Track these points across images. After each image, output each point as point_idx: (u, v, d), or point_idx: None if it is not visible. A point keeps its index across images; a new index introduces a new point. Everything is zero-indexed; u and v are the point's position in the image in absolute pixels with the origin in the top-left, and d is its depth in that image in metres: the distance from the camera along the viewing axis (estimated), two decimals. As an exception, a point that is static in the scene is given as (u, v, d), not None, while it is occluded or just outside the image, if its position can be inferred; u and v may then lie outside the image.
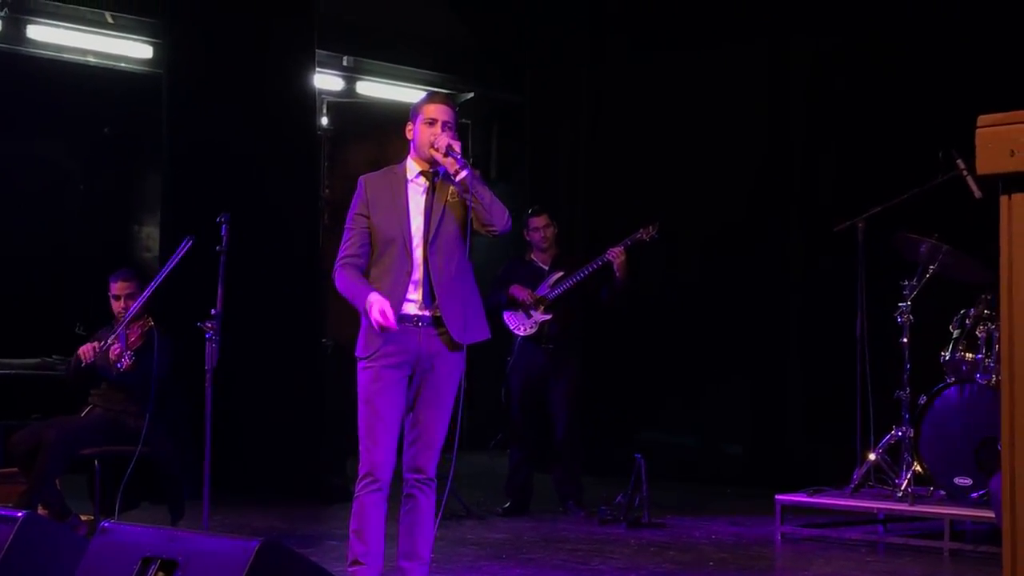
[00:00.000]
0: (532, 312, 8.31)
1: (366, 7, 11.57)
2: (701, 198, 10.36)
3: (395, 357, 5.11)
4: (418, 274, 5.15)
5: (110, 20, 10.44)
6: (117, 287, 7.16)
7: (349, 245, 5.25)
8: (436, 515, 5.26)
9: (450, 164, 5.10)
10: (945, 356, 7.48)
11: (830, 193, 9.42)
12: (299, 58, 9.60)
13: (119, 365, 6.77)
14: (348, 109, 11.93)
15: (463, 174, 5.05)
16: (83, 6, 10.31)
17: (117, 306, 7.14)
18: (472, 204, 5.08)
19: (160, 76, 9.85)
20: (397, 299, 5.09)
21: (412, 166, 5.28)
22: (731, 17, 10.22)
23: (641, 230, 8.20)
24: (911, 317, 7.52)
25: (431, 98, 5.35)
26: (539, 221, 8.46)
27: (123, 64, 10.72)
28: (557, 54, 11.37)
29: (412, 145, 5.29)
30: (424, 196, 5.21)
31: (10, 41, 10.13)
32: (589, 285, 8.27)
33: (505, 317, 8.38)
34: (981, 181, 7.01)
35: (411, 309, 5.14)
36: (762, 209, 10.09)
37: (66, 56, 10.48)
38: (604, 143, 11.05)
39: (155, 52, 10.52)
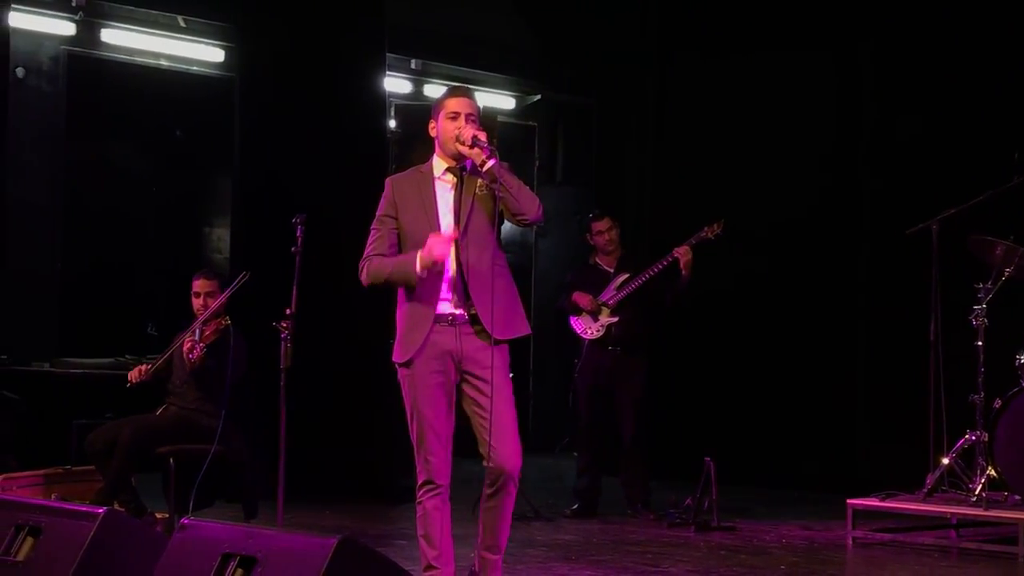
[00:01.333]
0: (599, 315, 8.31)
1: (434, 11, 11.62)
2: (769, 200, 10.29)
3: (434, 361, 5.03)
4: (450, 272, 5.05)
5: (183, 24, 10.57)
6: (198, 284, 7.25)
7: (375, 245, 5.16)
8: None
9: (476, 155, 4.99)
10: (1020, 359, 7.39)
11: (902, 195, 9.32)
12: (369, 62, 9.65)
13: (190, 356, 6.84)
14: (416, 112, 11.98)
15: (490, 163, 4.94)
16: (156, 10, 10.44)
17: (197, 303, 7.22)
18: (501, 194, 4.97)
19: (232, 79, 9.94)
20: (430, 300, 5.02)
21: (438, 163, 5.18)
22: (799, 18, 10.15)
23: (706, 228, 8.20)
24: (986, 320, 7.44)
25: (452, 92, 5.24)
26: (602, 225, 8.45)
27: (195, 67, 10.84)
28: (624, 56, 11.34)
29: (436, 142, 5.19)
30: (452, 193, 5.11)
31: (84, 45, 10.27)
32: (654, 285, 8.26)
33: (572, 321, 8.40)
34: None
35: (445, 308, 5.05)
36: (832, 212, 10.01)
37: (139, 60, 10.61)
38: (671, 145, 11.01)
39: (227, 56, 10.63)
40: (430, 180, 5.15)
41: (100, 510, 4.76)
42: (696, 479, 7.89)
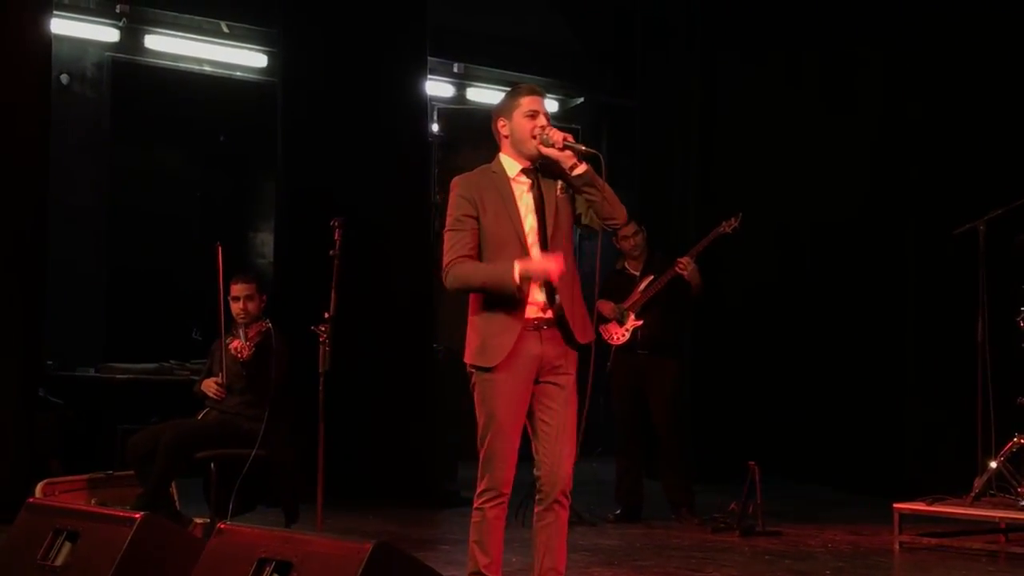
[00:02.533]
0: (623, 321, 8.29)
1: (476, 14, 11.62)
2: (815, 200, 10.22)
3: (518, 366, 4.83)
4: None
5: (226, 30, 10.63)
6: (237, 288, 7.23)
7: (460, 246, 4.88)
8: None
9: (567, 158, 4.79)
10: (1069, 361, 7.29)
11: (949, 195, 9.22)
12: (411, 65, 9.65)
13: (240, 356, 6.86)
14: (458, 115, 12.01)
15: (581, 168, 4.78)
16: (199, 16, 10.50)
17: (236, 307, 7.21)
18: (593, 198, 4.80)
19: (275, 84, 9.97)
20: (519, 303, 4.82)
21: (510, 164, 4.97)
22: (844, 16, 10.07)
23: (723, 223, 8.13)
24: (1034, 322, 7.34)
25: (527, 90, 5.01)
26: (627, 230, 8.40)
27: (239, 73, 10.90)
28: (668, 58, 11.29)
29: (506, 141, 4.97)
30: (531, 193, 4.92)
31: (129, 51, 10.35)
32: (677, 286, 8.22)
33: (599, 328, 8.37)
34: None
35: (532, 312, 4.87)
36: (879, 212, 9.92)
37: (183, 65, 10.68)
38: (716, 146, 10.94)
39: (270, 61, 10.68)
40: (507, 181, 4.92)
41: (137, 515, 4.76)
42: (741, 483, 7.83)
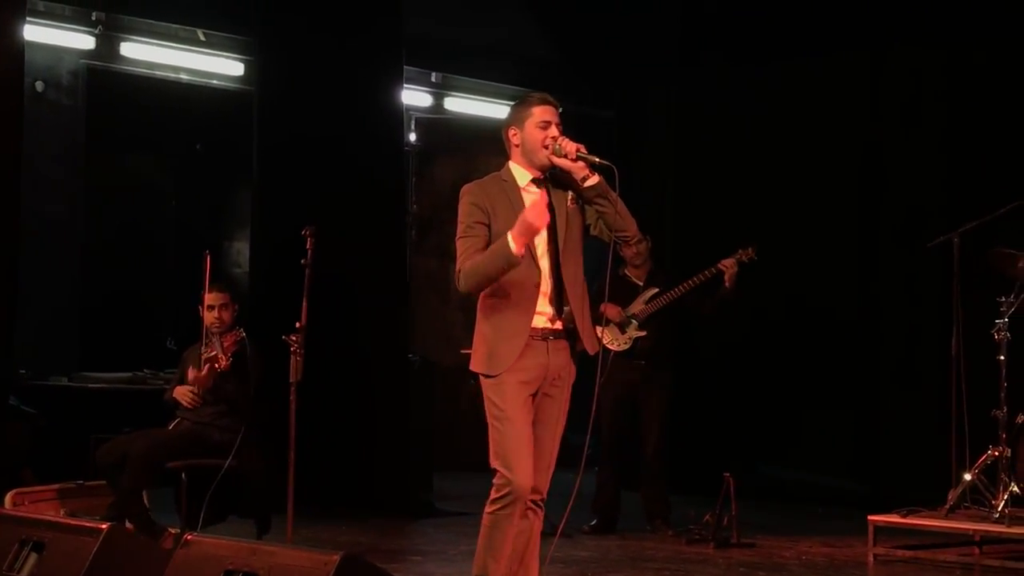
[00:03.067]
0: (626, 328, 8.26)
1: (454, 24, 11.61)
2: (791, 215, 10.23)
3: (526, 373, 4.83)
4: (547, 285, 4.86)
5: (202, 38, 10.59)
6: (211, 297, 7.20)
7: (472, 251, 4.80)
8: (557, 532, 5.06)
9: (580, 169, 4.76)
10: (1044, 374, 7.31)
11: (924, 208, 9.24)
12: (387, 74, 9.63)
13: (217, 365, 6.82)
14: (436, 125, 12.01)
15: (594, 179, 4.75)
16: (176, 24, 10.46)
17: (210, 316, 7.18)
18: (604, 210, 4.78)
19: (251, 93, 9.94)
20: (528, 312, 4.81)
21: (520, 173, 4.93)
22: (820, 33, 10.08)
23: (740, 251, 8.12)
24: (1008, 334, 7.35)
25: (539, 100, 4.94)
26: None
27: (215, 81, 10.86)
28: (646, 69, 11.30)
29: (517, 150, 4.93)
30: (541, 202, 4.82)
31: (104, 58, 10.31)
32: (691, 297, 8.20)
33: (598, 332, 8.32)
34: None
35: (540, 322, 4.85)
36: (855, 225, 9.95)
37: (159, 73, 10.64)
38: (691, 159, 10.95)
39: (246, 69, 10.64)
40: (517, 191, 4.88)
41: (103, 526, 4.73)
42: (716, 495, 7.82)
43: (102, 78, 10.37)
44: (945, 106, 9.43)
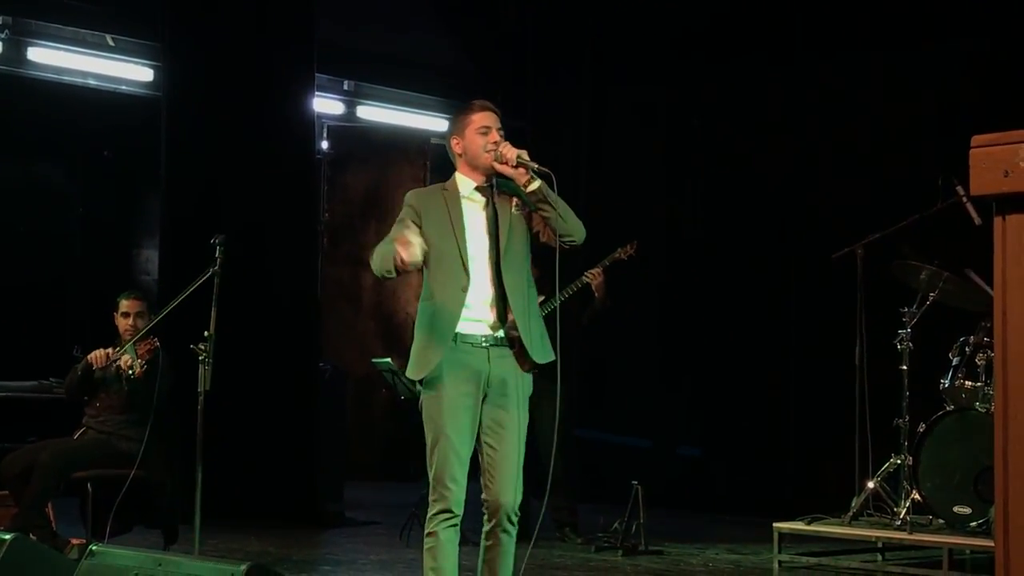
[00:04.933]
0: None
1: (368, 32, 11.59)
2: (701, 223, 10.34)
3: (464, 383, 4.75)
4: (487, 293, 4.78)
5: (111, 43, 10.45)
6: (127, 304, 7.13)
7: (390, 238, 4.77)
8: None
9: (521, 175, 4.70)
10: (944, 384, 7.43)
11: (828, 219, 9.38)
12: (299, 82, 9.60)
13: (130, 373, 6.74)
14: (348, 133, 11.98)
15: (535, 184, 4.68)
16: (84, 28, 10.31)
17: (124, 324, 7.10)
18: (547, 215, 4.71)
19: (160, 99, 9.84)
20: (453, 318, 4.73)
21: (463, 182, 4.87)
22: (738, 45, 10.23)
23: (619, 249, 8.08)
24: (911, 344, 7.47)
25: (478, 106, 4.89)
26: None
27: (124, 87, 10.73)
28: (557, 78, 11.37)
29: (461, 160, 4.88)
30: (486, 211, 4.83)
31: (10, 63, 10.13)
32: (569, 308, 8.20)
33: None
34: (980, 206, 7.05)
35: (479, 329, 4.77)
36: (759, 235, 10.06)
37: (67, 78, 10.48)
38: (604, 169, 11.04)
39: (156, 75, 10.52)
40: (457, 199, 4.84)
41: (7, 536, 4.66)
42: (624, 503, 7.87)
43: (8, 83, 10.20)
44: (850, 118, 9.59)
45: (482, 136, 4.82)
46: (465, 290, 4.75)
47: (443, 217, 4.80)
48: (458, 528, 4.81)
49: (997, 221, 2.53)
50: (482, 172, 4.85)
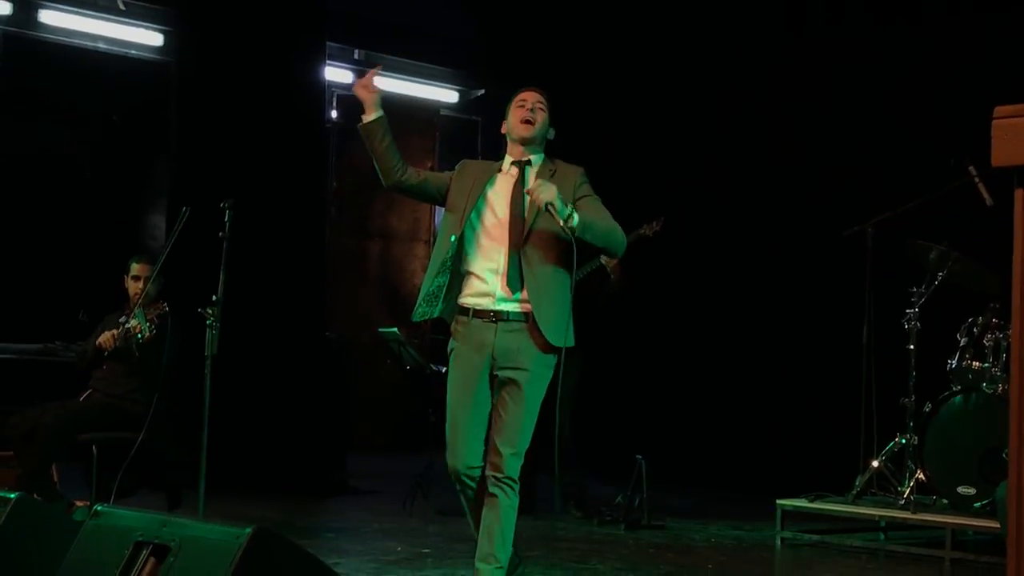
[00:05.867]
0: None
1: (378, 1, 11.54)
2: (707, 201, 10.31)
3: (474, 353, 4.91)
4: (501, 265, 4.88)
5: (122, 7, 10.43)
6: (138, 268, 7.16)
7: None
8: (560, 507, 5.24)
9: (555, 219, 4.76)
10: (951, 364, 7.41)
11: (839, 198, 9.35)
12: (310, 50, 9.58)
13: (139, 337, 6.72)
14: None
15: (571, 222, 4.73)
16: (95, -8, 10.30)
17: (135, 287, 7.11)
18: (590, 243, 4.88)
19: (171, 64, 9.81)
20: (444, 264, 4.94)
21: (507, 158, 5.08)
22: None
23: (644, 225, 7.99)
24: (918, 324, 7.46)
25: (523, 88, 5.13)
26: None
27: (134, 51, 10.70)
28: (569, 51, 11.32)
29: (507, 138, 5.09)
30: (516, 187, 4.94)
31: (21, 25, 10.11)
32: (585, 288, 8.15)
33: None
34: (993, 187, 7.02)
35: (486, 303, 4.90)
36: (768, 213, 10.03)
37: (77, 42, 10.46)
38: (615, 143, 11.00)
39: (166, 40, 10.51)
40: (495, 171, 5.04)
41: (12, 496, 4.65)
42: (629, 477, 7.87)
43: (19, 45, 10.19)
44: (863, 96, 9.55)
45: (519, 109, 5.02)
46: (496, 270, 4.88)
47: (469, 182, 5.00)
48: (470, 489, 4.98)
49: (1018, 194, 2.50)
50: (518, 144, 5.02)
